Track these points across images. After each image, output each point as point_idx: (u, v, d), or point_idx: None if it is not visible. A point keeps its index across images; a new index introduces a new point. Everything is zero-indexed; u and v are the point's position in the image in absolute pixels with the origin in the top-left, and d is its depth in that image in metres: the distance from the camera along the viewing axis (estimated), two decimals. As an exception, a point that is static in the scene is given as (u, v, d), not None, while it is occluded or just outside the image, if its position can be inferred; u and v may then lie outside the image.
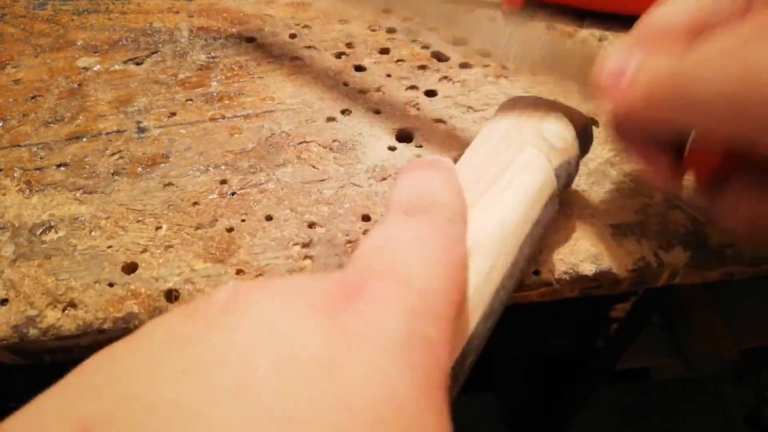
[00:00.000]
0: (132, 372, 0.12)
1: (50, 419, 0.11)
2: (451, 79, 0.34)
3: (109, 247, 0.26)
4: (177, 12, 0.39)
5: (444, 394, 0.13)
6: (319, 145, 0.31)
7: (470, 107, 0.32)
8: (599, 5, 0.38)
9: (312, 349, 0.12)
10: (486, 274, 0.17)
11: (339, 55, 0.36)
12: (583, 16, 0.39)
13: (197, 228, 0.27)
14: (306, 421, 0.11)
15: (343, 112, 0.32)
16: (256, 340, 0.12)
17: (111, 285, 0.25)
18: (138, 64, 0.35)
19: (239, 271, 0.25)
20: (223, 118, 0.32)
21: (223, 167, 0.29)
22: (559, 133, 0.21)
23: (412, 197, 0.17)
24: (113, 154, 0.30)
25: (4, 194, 0.28)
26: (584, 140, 0.23)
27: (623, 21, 0.38)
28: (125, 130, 0.31)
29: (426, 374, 0.13)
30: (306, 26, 0.38)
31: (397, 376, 0.12)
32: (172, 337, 0.12)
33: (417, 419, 0.12)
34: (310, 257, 0.26)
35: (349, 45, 0.37)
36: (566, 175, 0.21)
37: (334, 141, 0.31)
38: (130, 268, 0.25)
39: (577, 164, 0.22)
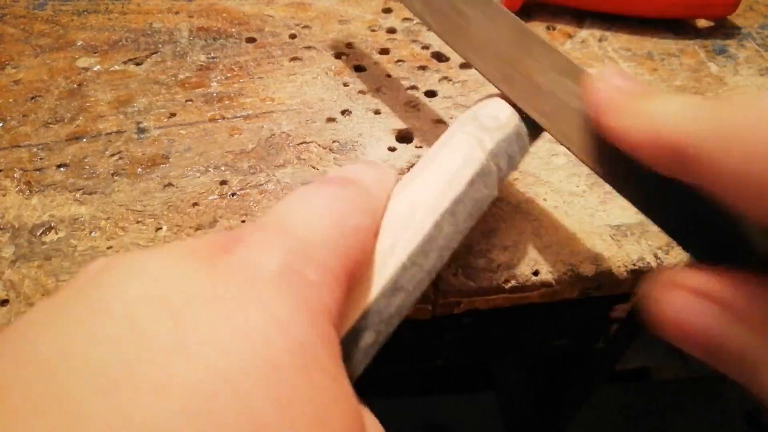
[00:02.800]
0: (16, 340, 0.12)
1: None
2: (451, 80, 0.34)
3: (109, 247, 0.26)
4: (177, 12, 0.39)
5: (334, 335, 0.14)
6: (319, 145, 0.31)
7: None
8: (599, 6, 0.38)
9: (188, 286, 0.12)
10: (389, 248, 0.17)
11: (339, 56, 0.36)
12: (582, 17, 0.39)
13: (197, 229, 0.27)
14: (196, 348, 0.11)
15: (343, 112, 0.32)
16: (132, 286, 0.12)
17: (111, 286, 0.25)
18: (138, 64, 0.35)
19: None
20: (223, 119, 0.32)
21: (223, 168, 0.29)
22: (490, 113, 0.21)
23: (336, 173, 0.18)
24: (113, 154, 0.30)
25: (4, 195, 0.28)
26: (533, 122, 0.22)
27: (623, 21, 0.38)
28: (125, 131, 0.31)
29: (306, 304, 0.13)
30: (306, 26, 0.38)
31: (278, 304, 0.12)
32: (47, 306, 0.13)
33: (304, 341, 0.12)
34: (310, 258, 0.26)
35: (349, 45, 0.37)
36: (506, 154, 0.20)
37: (334, 142, 0.31)
38: (130, 268, 0.25)
39: (523, 143, 0.21)
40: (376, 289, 0.17)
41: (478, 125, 0.21)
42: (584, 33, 0.38)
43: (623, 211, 0.27)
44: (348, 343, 0.16)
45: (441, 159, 0.19)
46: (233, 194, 0.28)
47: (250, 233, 0.14)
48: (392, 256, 0.17)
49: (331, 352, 0.13)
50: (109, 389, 0.10)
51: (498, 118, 0.21)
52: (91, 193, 0.28)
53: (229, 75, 0.35)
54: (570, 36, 0.38)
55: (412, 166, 0.27)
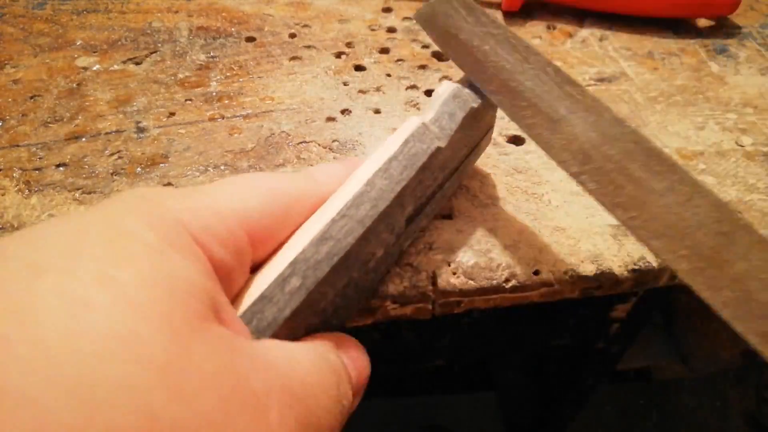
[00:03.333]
0: None
1: None
2: (451, 79, 0.34)
3: (108, 247, 0.26)
4: (176, 11, 0.39)
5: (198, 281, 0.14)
6: (319, 145, 0.31)
7: (470, 107, 0.32)
8: (600, 5, 0.38)
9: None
10: (326, 211, 0.19)
11: (339, 55, 0.36)
12: (583, 16, 0.39)
13: (197, 228, 0.27)
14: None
15: (342, 111, 0.32)
16: None
17: (110, 285, 0.25)
18: (137, 63, 0.35)
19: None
20: (223, 118, 0.32)
21: (222, 167, 0.29)
22: (434, 94, 0.24)
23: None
24: (112, 154, 0.30)
25: (3, 194, 0.28)
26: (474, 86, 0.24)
27: (624, 20, 0.38)
28: (124, 130, 0.31)
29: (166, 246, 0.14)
30: (306, 25, 0.38)
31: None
32: None
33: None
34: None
35: (348, 44, 0.37)
36: (445, 114, 0.23)
37: (333, 141, 0.31)
38: (130, 268, 0.25)
39: (462, 101, 0.23)
40: (305, 240, 0.18)
41: (425, 108, 0.24)
42: (585, 32, 0.38)
43: (624, 210, 0.27)
44: (274, 288, 0.17)
45: (386, 141, 0.22)
46: (233, 194, 0.28)
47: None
48: (324, 214, 0.19)
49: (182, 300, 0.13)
50: None
51: (437, 93, 0.23)
52: (90, 193, 0.28)
53: (228, 74, 0.34)
54: (570, 35, 0.38)
55: None
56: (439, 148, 0.22)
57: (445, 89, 0.24)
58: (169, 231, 0.14)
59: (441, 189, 0.24)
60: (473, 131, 0.25)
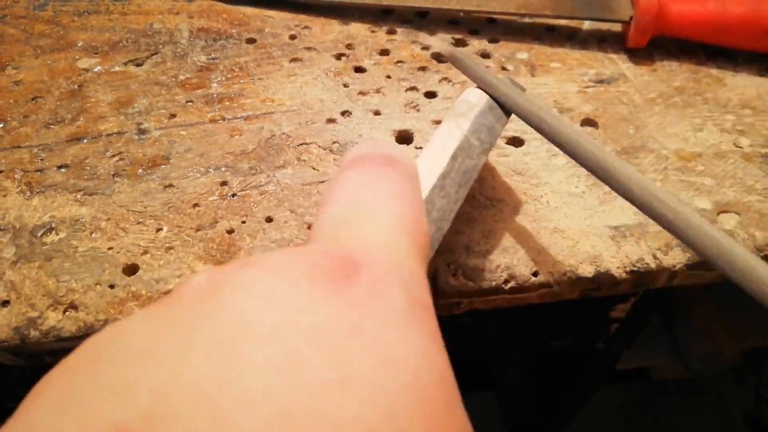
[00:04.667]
0: (148, 366, 0.10)
1: (82, 422, 0.09)
2: (451, 81, 0.34)
3: (109, 248, 0.26)
4: (177, 13, 0.39)
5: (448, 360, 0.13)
6: (319, 146, 0.31)
7: (470, 108, 0.33)
8: (732, 41, 0.35)
9: (328, 316, 0.11)
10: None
11: (339, 57, 0.36)
12: (712, 53, 0.37)
13: (198, 230, 0.27)
14: (355, 381, 0.10)
15: (343, 113, 0.32)
16: (264, 311, 0.11)
17: (112, 287, 0.25)
18: (138, 65, 0.35)
19: (239, 273, 0.25)
20: (224, 120, 0.32)
21: (223, 169, 0.29)
22: (462, 100, 0.24)
23: (370, 151, 0.18)
24: (114, 155, 0.30)
25: (5, 196, 0.28)
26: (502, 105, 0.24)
27: (753, 59, 0.36)
28: (126, 132, 0.31)
29: (436, 334, 0.13)
30: (306, 27, 0.38)
31: (416, 336, 0.12)
32: (157, 328, 0.11)
33: (444, 372, 0.12)
34: (310, 259, 0.26)
35: (348, 46, 0.37)
36: (484, 127, 0.23)
37: (334, 142, 0.31)
38: (131, 269, 0.26)
39: (498, 114, 0.23)
40: None
41: (454, 113, 0.23)
42: (585, 33, 0.38)
43: (622, 211, 0.27)
44: None
45: (426, 149, 0.21)
46: (233, 195, 0.28)
47: (355, 255, 0.14)
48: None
49: (453, 379, 0.13)
50: (281, 423, 0.09)
51: (469, 101, 0.23)
52: (91, 194, 0.28)
53: (229, 76, 0.35)
54: (571, 37, 0.38)
55: None
56: (482, 165, 0.22)
57: (477, 98, 0.23)
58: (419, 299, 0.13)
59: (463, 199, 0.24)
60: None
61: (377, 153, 0.18)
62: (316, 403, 0.10)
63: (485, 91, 0.24)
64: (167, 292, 0.25)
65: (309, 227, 0.27)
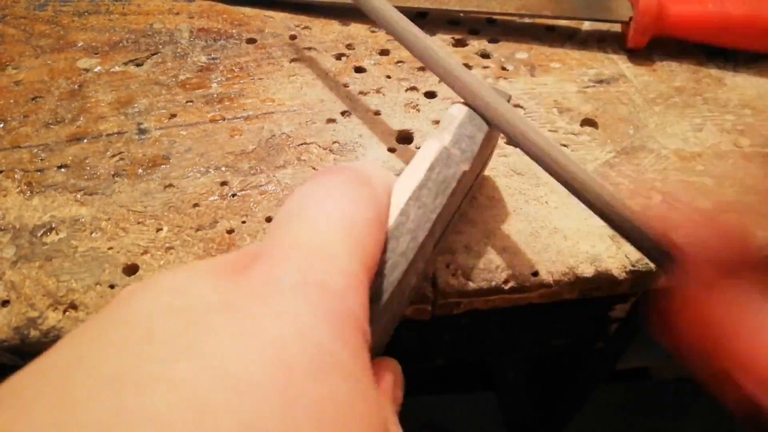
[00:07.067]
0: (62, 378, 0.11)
1: None
2: (450, 81, 0.34)
3: (109, 248, 0.26)
4: (177, 13, 0.39)
5: (360, 340, 0.14)
6: (319, 146, 0.31)
7: (470, 109, 0.33)
8: (732, 42, 0.36)
9: (206, 297, 0.13)
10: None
11: (339, 57, 0.36)
12: (711, 53, 0.37)
13: (198, 230, 0.27)
14: (207, 349, 0.11)
15: (343, 113, 0.33)
16: (151, 300, 0.13)
17: (112, 287, 0.25)
18: (138, 65, 0.35)
19: (239, 273, 0.25)
20: (224, 120, 0.32)
21: (223, 169, 0.29)
22: (446, 115, 0.24)
23: (344, 166, 0.19)
24: (114, 155, 0.30)
25: (5, 196, 0.28)
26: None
27: (753, 59, 0.36)
28: (126, 132, 0.31)
29: (328, 311, 0.13)
30: (306, 27, 0.38)
31: (296, 312, 0.13)
32: (80, 328, 0.13)
33: (323, 345, 0.12)
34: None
35: (349, 46, 0.37)
36: (464, 137, 0.23)
37: (334, 142, 0.31)
38: (131, 269, 0.26)
39: (478, 122, 0.24)
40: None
41: (438, 129, 0.23)
42: (584, 33, 0.38)
43: (622, 212, 0.27)
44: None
45: (408, 165, 0.22)
46: (234, 195, 0.28)
47: (269, 248, 0.15)
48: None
49: (355, 356, 0.13)
50: (113, 385, 0.10)
51: (451, 115, 0.24)
52: (91, 194, 0.28)
53: (229, 76, 0.35)
54: (571, 37, 0.38)
55: None
56: (464, 172, 0.22)
57: (458, 111, 0.24)
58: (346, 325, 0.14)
59: (459, 208, 0.24)
60: (487, 149, 0.25)
61: (343, 166, 0.19)
62: (154, 368, 0.11)
63: (467, 104, 0.24)
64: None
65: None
